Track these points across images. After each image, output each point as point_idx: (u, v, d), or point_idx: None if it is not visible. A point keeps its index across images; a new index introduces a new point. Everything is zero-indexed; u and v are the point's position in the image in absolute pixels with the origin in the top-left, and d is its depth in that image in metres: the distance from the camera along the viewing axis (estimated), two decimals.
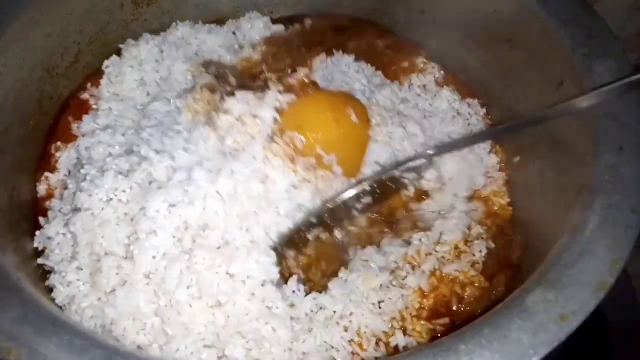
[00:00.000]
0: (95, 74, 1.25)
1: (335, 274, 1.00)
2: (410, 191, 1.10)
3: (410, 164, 1.06)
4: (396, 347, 0.94)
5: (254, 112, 1.01)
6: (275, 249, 0.97)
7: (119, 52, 1.26)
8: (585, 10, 1.04)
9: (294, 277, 0.97)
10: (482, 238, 1.06)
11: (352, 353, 0.92)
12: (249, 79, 1.23)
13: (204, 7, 1.39)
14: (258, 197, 0.96)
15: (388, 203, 1.10)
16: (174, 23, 1.34)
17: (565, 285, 0.75)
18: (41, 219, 1.03)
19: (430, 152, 1.07)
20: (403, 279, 0.99)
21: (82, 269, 0.93)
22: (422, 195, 1.12)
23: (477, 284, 1.01)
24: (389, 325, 0.95)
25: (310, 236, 1.02)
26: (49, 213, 1.04)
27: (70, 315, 0.90)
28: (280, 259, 0.97)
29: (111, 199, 0.94)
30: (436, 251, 1.02)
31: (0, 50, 1.01)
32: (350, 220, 1.07)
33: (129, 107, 1.18)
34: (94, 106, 1.20)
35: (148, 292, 0.89)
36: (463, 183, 1.13)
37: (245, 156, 0.97)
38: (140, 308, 0.88)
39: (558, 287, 0.75)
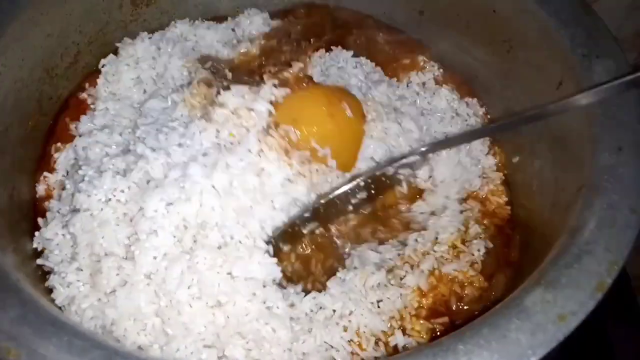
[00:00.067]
0: (94, 74, 1.25)
1: (332, 269, 1.00)
2: (404, 188, 1.10)
3: (404, 160, 1.06)
4: (395, 347, 0.94)
5: (249, 106, 1.01)
6: (270, 242, 0.97)
7: (117, 53, 1.26)
8: (584, 11, 1.05)
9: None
10: (481, 238, 1.06)
11: (352, 353, 0.92)
12: (247, 74, 1.23)
13: (204, 7, 1.40)
14: (254, 191, 0.96)
15: (382, 199, 1.10)
16: (172, 22, 1.34)
17: (564, 285, 0.75)
18: (40, 220, 1.03)
19: (423, 149, 1.06)
20: (402, 279, 0.99)
21: (82, 270, 0.93)
22: (415, 195, 1.12)
23: (476, 284, 1.01)
24: (388, 325, 0.95)
25: (305, 230, 1.03)
26: (48, 214, 1.04)
27: (70, 316, 0.90)
28: (276, 252, 0.98)
29: (110, 199, 0.94)
30: (434, 251, 1.03)
31: (0, 50, 1.01)
32: (345, 216, 1.07)
33: (125, 106, 1.18)
34: (92, 106, 1.21)
35: (149, 292, 0.89)
36: (456, 186, 1.13)
37: (240, 149, 0.97)
38: (141, 308, 0.88)
39: (557, 288, 0.75)
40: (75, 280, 0.92)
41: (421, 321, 0.96)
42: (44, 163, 1.14)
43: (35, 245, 0.99)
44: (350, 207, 1.06)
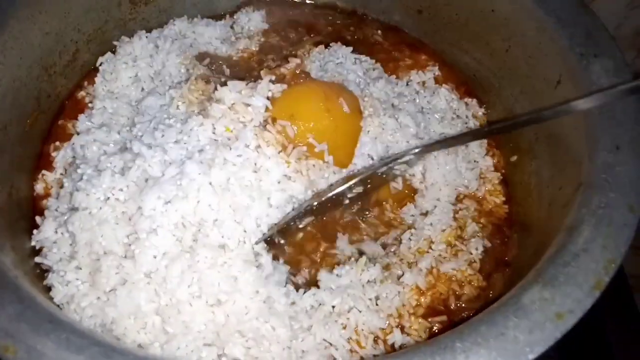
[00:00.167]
0: (93, 73, 1.25)
1: (327, 262, 1.01)
2: (399, 184, 1.10)
3: (400, 160, 1.05)
4: (393, 345, 0.94)
5: (246, 101, 1.01)
6: (266, 238, 0.97)
7: (115, 51, 1.26)
8: (583, 10, 1.05)
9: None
10: (478, 236, 1.06)
11: (351, 351, 0.93)
12: (245, 70, 1.24)
13: (202, 6, 1.40)
14: (250, 187, 0.96)
15: (377, 194, 1.10)
16: (171, 20, 1.34)
17: (562, 283, 0.76)
18: (38, 219, 1.03)
19: (420, 148, 1.06)
20: (399, 278, 0.99)
21: (81, 269, 0.93)
22: (409, 191, 1.12)
23: (474, 283, 1.02)
24: (386, 323, 0.95)
25: (301, 225, 1.03)
26: (46, 212, 1.04)
27: (69, 314, 0.90)
28: (271, 246, 0.98)
29: (109, 198, 0.94)
30: (432, 249, 1.03)
31: None
32: (340, 210, 1.07)
33: (123, 104, 1.18)
34: (90, 105, 1.20)
35: (149, 291, 0.89)
36: (448, 187, 1.12)
37: (237, 144, 0.97)
38: (141, 307, 0.88)
39: (554, 286, 0.75)
40: (74, 279, 0.92)
41: (420, 320, 0.97)
42: (43, 161, 1.14)
43: (33, 244, 0.99)
44: (347, 201, 1.06)
